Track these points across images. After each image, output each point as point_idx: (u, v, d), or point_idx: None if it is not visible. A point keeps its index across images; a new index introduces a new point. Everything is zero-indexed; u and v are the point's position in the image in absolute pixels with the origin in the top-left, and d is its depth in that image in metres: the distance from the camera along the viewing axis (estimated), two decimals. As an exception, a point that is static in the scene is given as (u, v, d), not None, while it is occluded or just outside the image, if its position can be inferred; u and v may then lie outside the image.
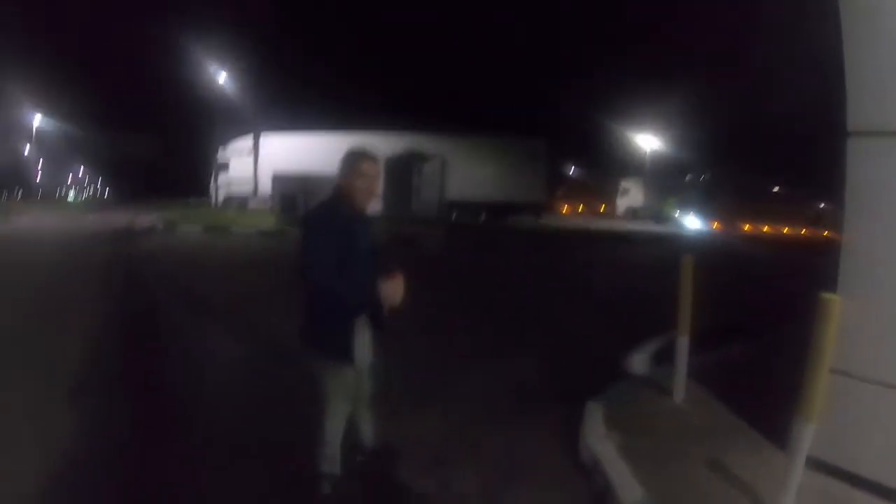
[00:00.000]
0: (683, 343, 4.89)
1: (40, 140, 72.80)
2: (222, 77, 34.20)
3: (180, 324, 8.17)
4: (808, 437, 3.27)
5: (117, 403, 5.13)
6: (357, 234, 3.52)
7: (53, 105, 68.64)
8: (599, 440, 4.36)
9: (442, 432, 4.79)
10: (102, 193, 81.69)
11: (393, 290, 3.47)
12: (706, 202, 39.30)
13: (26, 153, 76.77)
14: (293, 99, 36.96)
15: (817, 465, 3.66)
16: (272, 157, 29.62)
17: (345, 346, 3.49)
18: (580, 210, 49.43)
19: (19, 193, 74.77)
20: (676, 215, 38.68)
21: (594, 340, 7.38)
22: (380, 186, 3.80)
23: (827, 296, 3.19)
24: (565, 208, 48.41)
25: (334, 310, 3.45)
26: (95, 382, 5.66)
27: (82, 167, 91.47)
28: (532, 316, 9.22)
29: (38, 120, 65.96)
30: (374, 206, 4.93)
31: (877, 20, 3.71)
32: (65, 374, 5.75)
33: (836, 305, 3.16)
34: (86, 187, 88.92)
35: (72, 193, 78.58)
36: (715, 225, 37.42)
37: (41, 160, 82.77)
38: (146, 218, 26.47)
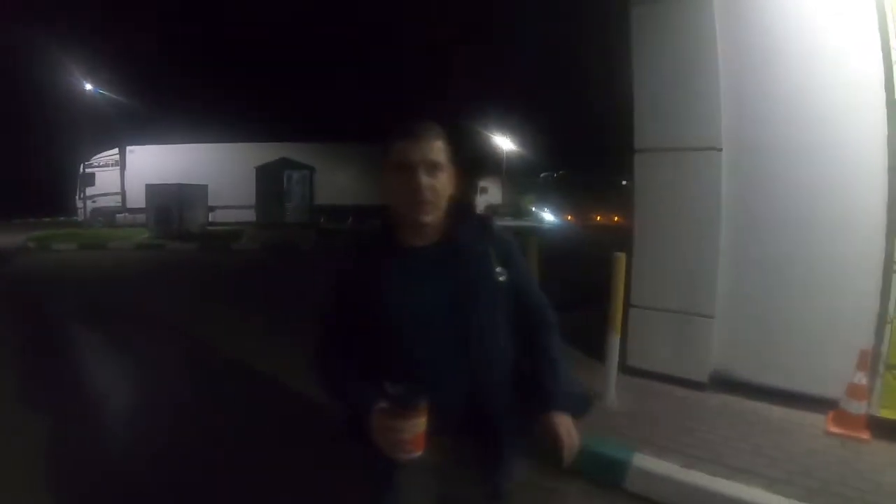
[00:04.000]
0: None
1: None
2: (84, 90, 33.74)
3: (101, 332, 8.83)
4: (615, 344, 5.06)
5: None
6: (412, 279, 1.93)
7: None
8: None
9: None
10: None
11: (565, 429, 1.96)
12: (560, 197, 42.26)
13: None
14: (161, 111, 36.86)
15: (631, 371, 5.68)
16: (141, 170, 29.62)
17: None
18: None
19: None
20: (534, 210, 41.39)
21: None
22: (442, 185, 1.95)
23: (617, 254, 4.97)
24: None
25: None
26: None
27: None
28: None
29: None
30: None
31: (655, 64, 5.58)
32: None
33: (622, 260, 4.97)
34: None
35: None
36: (569, 217, 40.29)
37: None
38: (11, 239, 25.36)
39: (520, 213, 41.24)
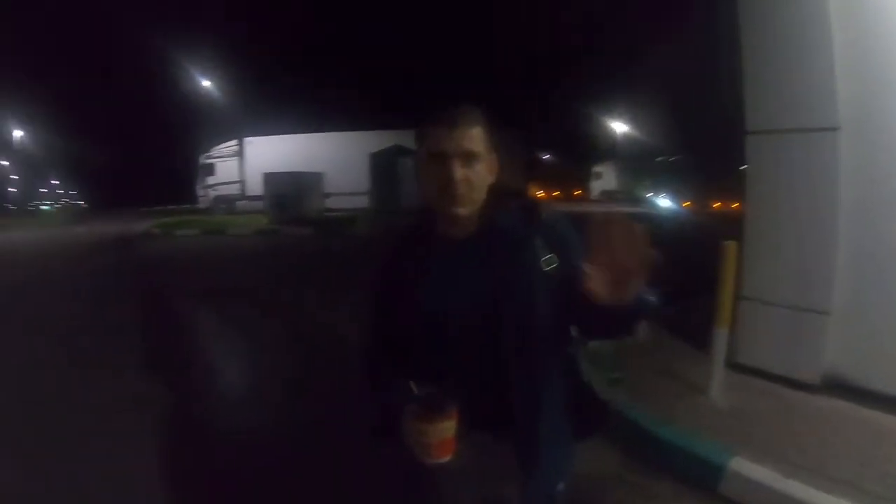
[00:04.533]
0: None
1: (13, 154, 72.63)
2: (203, 85, 34.99)
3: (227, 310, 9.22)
4: (722, 339, 4.63)
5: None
6: (447, 273, 1.79)
7: (27, 118, 68.53)
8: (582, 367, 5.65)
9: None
10: (77, 204, 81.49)
11: None
12: (677, 183, 40.68)
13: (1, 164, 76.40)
14: (276, 102, 37.77)
15: (738, 367, 5.18)
16: (259, 159, 30.50)
17: None
18: (555, 195, 50.45)
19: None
20: (649, 196, 40.06)
21: None
22: (478, 172, 1.76)
23: (727, 242, 4.49)
24: (541, 193, 49.52)
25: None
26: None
27: (56, 180, 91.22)
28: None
29: (13, 133, 65.80)
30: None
31: (767, 39, 5.06)
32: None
33: (731, 249, 4.49)
34: (58, 200, 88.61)
35: (45, 206, 78.40)
36: (686, 204, 38.79)
37: (15, 175, 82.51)
38: (138, 226, 27.10)
39: (634, 198, 40.00)
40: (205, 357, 6.93)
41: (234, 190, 31.96)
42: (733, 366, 5.13)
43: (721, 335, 4.63)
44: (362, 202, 27.40)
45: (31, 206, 78.97)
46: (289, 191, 25.15)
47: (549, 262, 1.76)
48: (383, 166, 25.63)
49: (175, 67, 36.73)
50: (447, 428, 1.60)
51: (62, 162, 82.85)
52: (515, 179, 31.24)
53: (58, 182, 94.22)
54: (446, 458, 1.64)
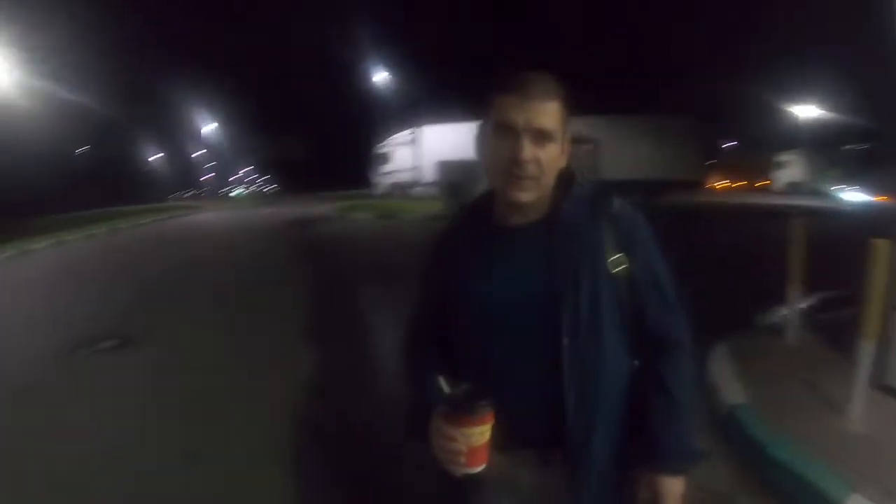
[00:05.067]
0: (795, 293, 5.54)
1: (209, 143, 78.81)
2: (379, 77, 36.27)
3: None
4: (868, 352, 4.00)
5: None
6: (502, 263, 1.63)
7: (220, 111, 74.06)
8: (718, 366, 5.26)
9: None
10: (266, 189, 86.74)
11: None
12: (872, 173, 37.33)
13: (195, 156, 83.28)
14: (449, 91, 38.38)
15: (888, 389, 4.45)
16: (432, 147, 31.27)
17: None
18: (738, 185, 48.02)
19: (190, 192, 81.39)
20: (838, 188, 37.16)
21: (731, 302, 7.32)
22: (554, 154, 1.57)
23: (877, 240, 3.90)
24: (721, 185, 47.45)
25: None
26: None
27: (248, 167, 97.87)
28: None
29: (207, 126, 71.46)
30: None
31: None
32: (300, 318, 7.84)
33: (882, 249, 3.89)
34: (250, 184, 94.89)
35: (238, 190, 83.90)
36: (881, 198, 35.50)
37: (210, 162, 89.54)
38: (318, 208, 29.32)
39: (822, 190, 37.20)
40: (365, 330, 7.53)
41: (409, 177, 32.79)
42: (882, 387, 4.43)
43: (866, 350, 4.01)
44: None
45: (224, 190, 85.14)
46: (461, 178, 25.53)
47: (617, 262, 1.57)
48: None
49: (356, 61, 38.23)
50: (480, 433, 1.41)
51: (254, 151, 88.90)
52: (688, 170, 30.14)
53: (251, 168, 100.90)
54: (477, 470, 1.44)
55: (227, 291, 10.35)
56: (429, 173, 30.53)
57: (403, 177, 33.34)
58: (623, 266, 1.57)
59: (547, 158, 1.54)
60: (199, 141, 78.73)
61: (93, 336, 7.34)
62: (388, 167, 34.41)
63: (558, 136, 1.56)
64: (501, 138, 1.53)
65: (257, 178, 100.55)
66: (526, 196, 1.56)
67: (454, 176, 26.02)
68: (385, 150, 34.71)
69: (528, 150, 1.51)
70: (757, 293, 6.58)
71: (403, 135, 33.73)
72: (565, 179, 1.65)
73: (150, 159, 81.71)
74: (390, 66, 38.23)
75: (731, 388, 4.76)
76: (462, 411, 1.40)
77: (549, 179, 1.59)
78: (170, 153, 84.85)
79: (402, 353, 1.81)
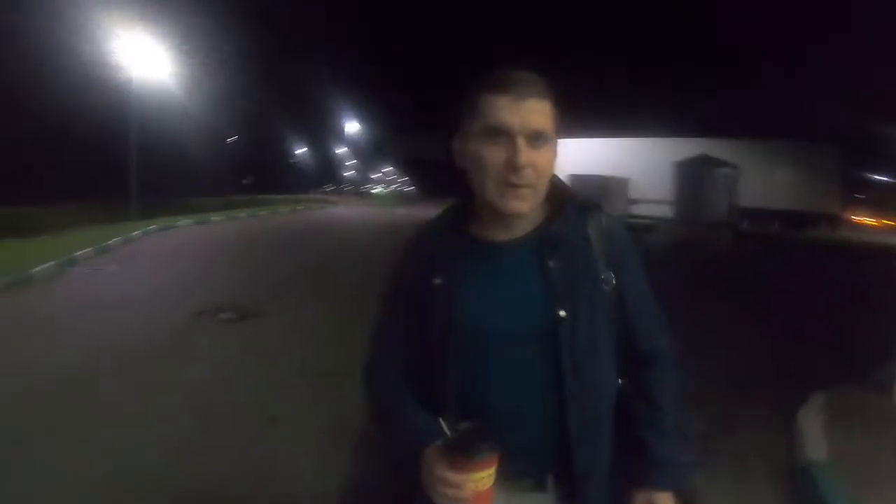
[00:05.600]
0: None
1: (352, 141, 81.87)
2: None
3: None
4: None
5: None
6: (492, 284, 1.49)
7: (361, 111, 76.89)
8: (807, 418, 4.82)
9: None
10: (405, 190, 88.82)
11: None
12: None
13: (338, 152, 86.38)
14: (585, 105, 38.50)
15: None
16: (566, 160, 31.09)
17: None
18: (884, 224, 43.89)
19: (330, 187, 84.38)
20: None
21: (848, 350, 7.01)
22: (540, 163, 1.39)
23: None
24: (867, 221, 44.54)
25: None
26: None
27: (389, 166, 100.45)
28: (790, 323, 9.07)
29: (351, 124, 74.17)
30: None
31: None
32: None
33: None
34: (390, 184, 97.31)
35: (378, 188, 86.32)
36: None
37: (352, 159, 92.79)
38: (427, 212, 30.25)
39: None
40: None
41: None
42: None
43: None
44: (667, 211, 27.34)
45: (365, 188, 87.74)
46: (593, 194, 25.74)
47: (609, 279, 1.50)
48: (688, 176, 25.37)
49: (489, 67, 39.06)
50: (487, 476, 1.28)
51: (395, 151, 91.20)
52: (828, 202, 28.49)
53: (392, 168, 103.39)
54: None
55: (348, 279, 11.19)
56: None
57: None
58: (614, 283, 1.50)
59: (543, 163, 1.40)
60: (342, 138, 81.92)
61: (216, 306, 8.14)
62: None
63: (552, 138, 1.44)
64: (492, 143, 1.39)
65: (397, 178, 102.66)
66: (523, 206, 1.42)
67: (585, 191, 26.19)
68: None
69: (525, 154, 1.36)
70: (881, 343, 6.05)
71: None
72: (554, 189, 1.52)
73: (295, 153, 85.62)
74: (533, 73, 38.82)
75: (815, 443, 4.35)
76: (469, 456, 1.26)
77: (544, 186, 1.45)
78: (314, 148, 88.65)
79: (372, 388, 1.62)
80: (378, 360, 1.62)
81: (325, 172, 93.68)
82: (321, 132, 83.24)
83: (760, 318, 8.82)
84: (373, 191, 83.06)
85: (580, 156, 30.74)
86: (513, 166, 1.36)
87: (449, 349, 1.47)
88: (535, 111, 1.39)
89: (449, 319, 1.47)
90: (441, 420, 1.40)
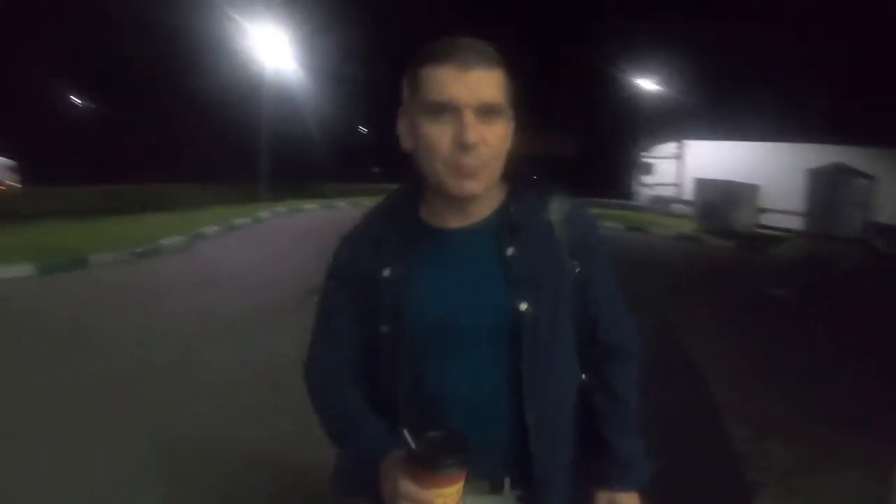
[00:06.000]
0: None
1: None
2: (648, 84, 36.14)
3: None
4: None
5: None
6: (445, 274, 1.40)
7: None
8: None
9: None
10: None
11: None
12: None
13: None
14: (719, 106, 37.22)
15: None
16: (695, 163, 30.87)
17: None
18: None
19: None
20: None
21: None
22: (496, 140, 1.32)
23: None
24: None
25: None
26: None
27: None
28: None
29: None
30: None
31: None
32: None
33: None
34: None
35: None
36: None
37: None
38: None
39: None
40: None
41: (669, 192, 32.50)
42: None
43: None
44: (797, 223, 26.03)
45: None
46: (719, 199, 25.06)
47: (572, 268, 1.43)
48: (822, 186, 24.19)
49: (627, 67, 38.24)
50: (457, 491, 1.17)
51: (523, 146, 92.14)
52: None
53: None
54: None
55: None
56: (689, 190, 29.86)
57: (665, 191, 32.93)
58: (577, 273, 1.43)
59: (495, 138, 1.30)
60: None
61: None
62: (650, 178, 34.23)
63: (505, 111, 1.34)
64: (437, 120, 1.27)
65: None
66: (477, 187, 1.32)
67: (712, 196, 25.51)
68: (649, 159, 34.52)
69: (475, 129, 1.25)
70: None
71: (669, 146, 33.46)
72: (512, 169, 1.43)
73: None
74: (663, 72, 37.77)
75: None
76: (437, 469, 1.14)
77: (499, 165, 1.36)
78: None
79: (317, 391, 1.51)
80: (320, 355, 1.52)
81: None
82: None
83: (886, 351, 8.27)
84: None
85: (706, 159, 30.08)
86: (462, 145, 1.25)
87: (399, 345, 1.38)
88: (482, 81, 1.26)
89: (399, 314, 1.37)
90: (405, 430, 1.20)
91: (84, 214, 17.93)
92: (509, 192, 1.46)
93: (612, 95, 42.32)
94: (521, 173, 1.48)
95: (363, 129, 63.88)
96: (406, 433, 1.20)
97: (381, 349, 1.40)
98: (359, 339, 1.44)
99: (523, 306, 1.34)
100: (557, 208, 1.44)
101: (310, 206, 25.48)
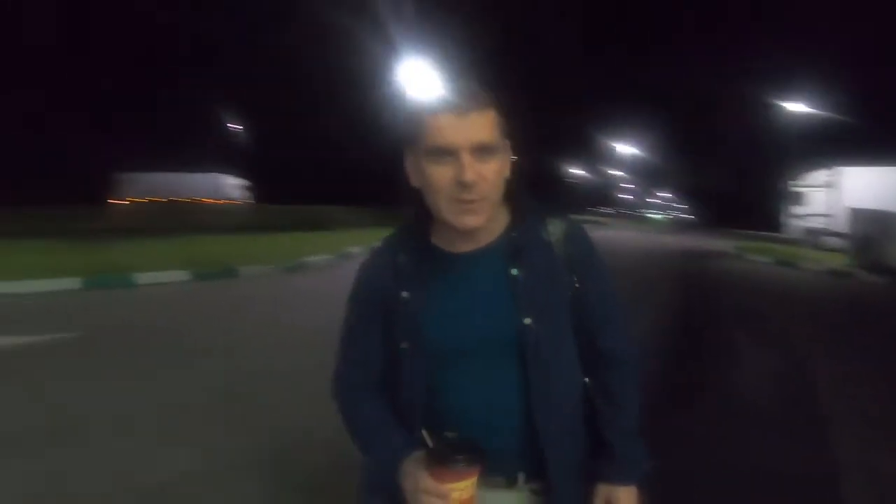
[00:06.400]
0: None
1: (629, 164, 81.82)
2: (796, 108, 34.12)
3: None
4: None
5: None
6: (456, 294, 1.55)
7: (636, 135, 76.94)
8: None
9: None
10: (681, 217, 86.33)
11: None
12: None
13: (614, 174, 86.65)
14: (876, 131, 34.78)
15: None
16: (851, 192, 27.95)
17: None
18: None
19: (603, 209, 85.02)
20: None
21: None
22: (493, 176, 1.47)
23: None
24: None
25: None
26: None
27: (666, 192, 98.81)
28: None
29: (627, 147, 74.33)
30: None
31: None
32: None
33: None
34: (666, 209, 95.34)
35: (652, 213, 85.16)
36: None
37: (629, 182, 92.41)
38: (719, 243, 29.33)
39: None
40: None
41: (821, 223, 29.90)
42: None
43: None
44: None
45: (639, 212, 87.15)
46: (876, 232, 22.97)
47: (572, 283, 1.57)
48: None
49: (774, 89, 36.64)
50: (471, 485, 1.31)
51: (673, 177, 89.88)
52: None
53: (670, 194, 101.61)
54: None
55: None
56: (843, 222, 27.06)
57: (817, 222, 30.23)
58: (577, 286, 1.57)
59: (492, 174, 1.44)
60: (617, 160, 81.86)
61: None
62: (801, 209, 31.72)
63: (500, 146, 1.47)
64: (439, 162, 1.41)
65: (674, 205, 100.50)
66: (477, 220, 1.45)
67: (868, 227, 23.50)
68: (799, 188, 32.05)
69: (472, 169, 1.39)
70: None
71: (819, 174, 30.78)
72: (515, 197, 1.59)
73: (570, 172, 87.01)
74: (814, 93, 35.66)
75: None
76: (452, 465, 1.29)
77: (497, 196, 1.50)
78: (591, 169, 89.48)
79: (342, 401, 1.67)
80: (346, 372, 1.67)
81: (600, 194, 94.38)
82: (597, 153, 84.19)
83: None
84: (647, 215, 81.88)
85: (862, 187, 27.49)
86: (461, 184, 1.39)
87: (417, 360, 1.53)
88: (477, 124, 1.40)
89: (417, 331, 1.51)
90: (424, 430, 1.44)
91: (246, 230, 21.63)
92: (512, 215, 1.59)
93: (759, 121, 40.62)
94: (522, 197, 1.62)
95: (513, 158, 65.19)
96: (425, 432, 1.42)
97: (401, 364, 1.55)
98: (380, 355, 1.60)
99: (528, 321, 1.49)
100: (557, 229, 1.59)
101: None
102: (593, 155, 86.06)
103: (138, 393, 6.24)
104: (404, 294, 1.53)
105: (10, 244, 16.41)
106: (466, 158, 1.39)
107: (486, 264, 1.54)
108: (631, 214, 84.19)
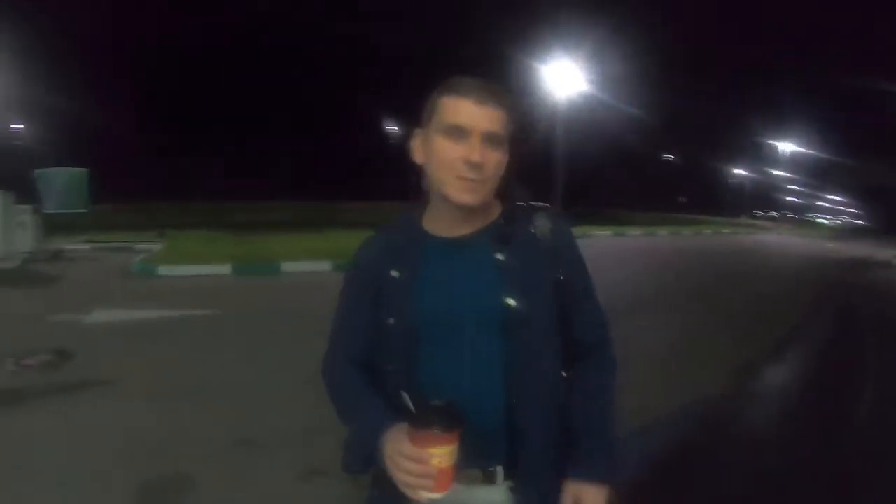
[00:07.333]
0: None
1: (795, 166, 77.21)
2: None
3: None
4: None
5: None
6: (445, 275, 1.61)
7: (803, 133, 72.32)
8: None
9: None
10: (855, 222, 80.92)
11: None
12: None
13: (776, 175, 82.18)
14: None
15: None
16: None
17: None
18: None
19: (766, 212, 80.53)
20: None
21: None
22: (496, 160, 1.58)
23: None
24: None
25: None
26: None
27: (837, 195, 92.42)
28: None
29: (783, 145, 69.93)
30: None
31: None
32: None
33: None
34: (835, 214, 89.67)
35: (822, 218, 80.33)
36: None
37: (794, 185, 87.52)
38: (885, 252, 27.91)
39: None
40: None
41: None
42: None
43: None
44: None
45: (806, 216, 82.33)
46: None
47: (555, 273, 1.63)
48: None
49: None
50: (450, 452, 1.32)
51: (846, 179, 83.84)
52: None
53: (841, 198, 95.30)
54: (440, 495, 1.35)
55: (723, 300, 12.31)
56: None
57: None
58: (558, 278, 1.63)
59: (494, 163, 1.55)
60: (782, 160, 77.80)
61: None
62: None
63: (504, 143, 1.58)
64: (452, 140, 1.52)
65: (847, 208, 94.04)
66: (475, 198, 1.55)
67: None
68: None
69: (480, 151, 1.50)
70: None
71: None
72: (506, 192, 1.69)
73: (733, 173, 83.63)
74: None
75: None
76: (435, 429, 1.30)
77: (493, 185, 1.59)
78: (754, 171, 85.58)
79: (329, 376, 1.73)
80: (335, 348, 1.74)
81: (762, 196, 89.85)
82: (761, 153, 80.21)
83: None
84: (816, 220, 77.78)
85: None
86: (469, 162, 1.50)
87: (402, 333, 1.58)
88: (491, 116, 1.52)
89: (404, 309, 1.57)
90: (405, 395, 1.49)
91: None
92: (503, 209, 1.70)
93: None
94: (513, 194, 1.74)
95: (669, 157, 63.44)
96: (406, 396, 1.49)
97: (387, 339, 1.61)
98: (370, 331, 1.65)
99: (511, 302, 1.53)
100: (542, 222, 1.67)
101: (600, 232, 27.37)
102: (758, 154, 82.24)
103: (265, 362, 7.19)
104: (394, 273, 1.61)
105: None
106: (477, 141, 1.50)
107: (475, 248, 1.60)
108: (796, 219, 79.73)
